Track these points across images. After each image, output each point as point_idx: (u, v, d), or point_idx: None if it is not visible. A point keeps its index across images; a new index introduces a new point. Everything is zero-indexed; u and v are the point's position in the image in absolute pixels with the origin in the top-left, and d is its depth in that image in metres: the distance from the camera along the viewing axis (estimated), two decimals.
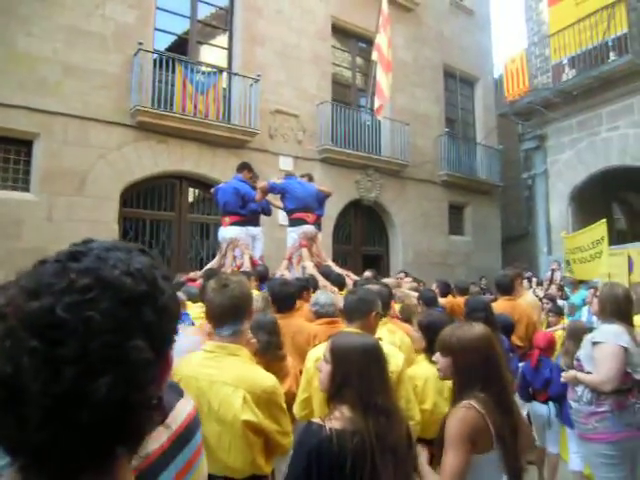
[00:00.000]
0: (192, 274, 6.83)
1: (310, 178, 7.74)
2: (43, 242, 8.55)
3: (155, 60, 10.18)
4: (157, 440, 1.17)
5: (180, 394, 1.34)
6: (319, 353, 2.69)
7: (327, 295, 4.20)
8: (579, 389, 3.57)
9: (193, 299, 4.67)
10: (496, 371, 2.21)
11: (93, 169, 9.32)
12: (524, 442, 2.33)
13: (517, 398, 4.85)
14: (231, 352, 2.27)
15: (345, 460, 1.71)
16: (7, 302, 0.69)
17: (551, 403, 4.67)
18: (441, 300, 6.32)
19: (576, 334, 4.24)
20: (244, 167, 7.42)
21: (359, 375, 1.90)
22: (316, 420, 1.90)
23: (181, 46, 11.22)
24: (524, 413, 4.75)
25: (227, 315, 2.30)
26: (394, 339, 3.54)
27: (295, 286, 4.48)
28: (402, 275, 8.49)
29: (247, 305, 2.39)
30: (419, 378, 3.01)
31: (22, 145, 8.91)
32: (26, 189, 8.86)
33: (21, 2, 8.80)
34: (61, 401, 0.63)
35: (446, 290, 6.89)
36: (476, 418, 2.06)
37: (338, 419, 1.83)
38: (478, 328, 2.33)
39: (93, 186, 9.27)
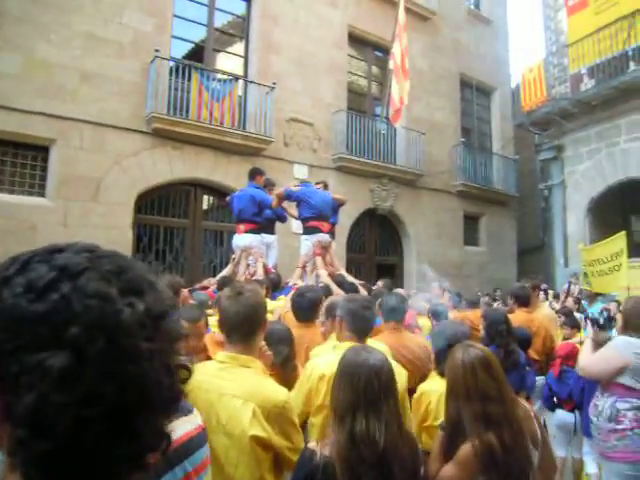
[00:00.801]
0: (206, 282, 6.80)
1: (325, 186, 7.69)
2: None
3: (171, 67, 10.23)
4: None
5: (186, 411, 1.30)
6: (324, 370, 2.63)
7: None
8: (600, 403, 3.47)
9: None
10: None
11: (108, 175, 9.35)
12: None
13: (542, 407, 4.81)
14: (243, 363, 2.20)
15: None
16: None
17: (577, 411, 4.69)
18: (451, 314, 6.21)
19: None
20: (256, 172, 7.35)
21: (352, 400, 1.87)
22: (311, 445, 1.91)
23: (197, 54, 11.27)
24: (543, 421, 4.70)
25: (240, 324, 2.24)
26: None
27: (317, 296, 4.34)
28: (435, 285, 8.27)
29: (261, 315, 2.32)
30: (433, 394, 2.91)
31: (39, 151, 8.97)
32: (42, 194, 8.90)
33: (41, 10, 8.89)
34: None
35: (457, 300, 6.75)
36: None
37: (332, 444, 1.83)
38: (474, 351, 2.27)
39: (108, 192, 9.30)
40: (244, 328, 2.24)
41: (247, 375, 2.17)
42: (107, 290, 0.67)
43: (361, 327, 2.96)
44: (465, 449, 2.07)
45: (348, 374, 1.90)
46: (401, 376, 2.83)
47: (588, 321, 3.58)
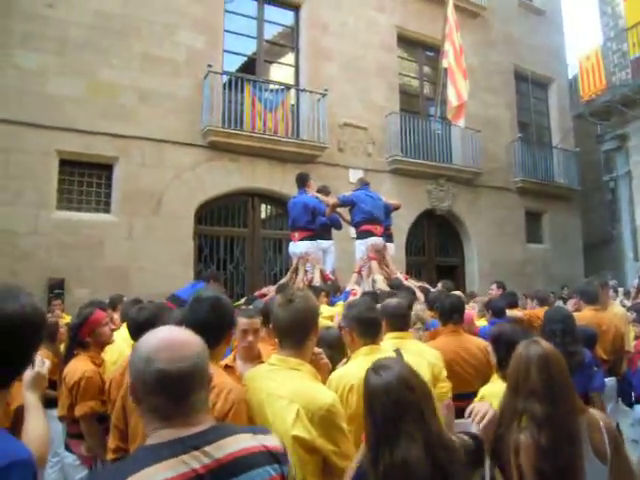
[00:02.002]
0: (265, 289, 6.91)
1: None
2: (124, 261, 8.96)
3: (225, 81, 10.48)
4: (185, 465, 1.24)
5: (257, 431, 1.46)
6: (352, 380, 2.59)
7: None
8: None
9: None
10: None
11: (168, 189, 9.65)
12: None
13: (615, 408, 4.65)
14: (292, 366, 2.23)
15: None
16: None
17: None
18: (517, 312, 6.01)
19: None
20: (305, 179, 7.36)
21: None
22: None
23: (249, 66, 11.51)
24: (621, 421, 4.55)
25: (291, 331, 2.27)
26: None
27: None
28: (494, 287, 8.12)
29: (312, 321, 2.34)
30: (494, 397, 2.82)
31: (103, 169, 9.38)
32: (107, 211, 9.29)
33: (101, 35, 9.32)
34: None
35: (512, 300, 6.43)
36: None
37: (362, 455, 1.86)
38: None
39: (169, 205, 9.60)
40: (295, 334, 2.27)
41: (294, 377, 2.20)
42: None
43: (371, 329, 2.91)
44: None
45: (366, 405, 1.86)
46: (423, 369, 2.80)
47: None
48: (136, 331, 2.82)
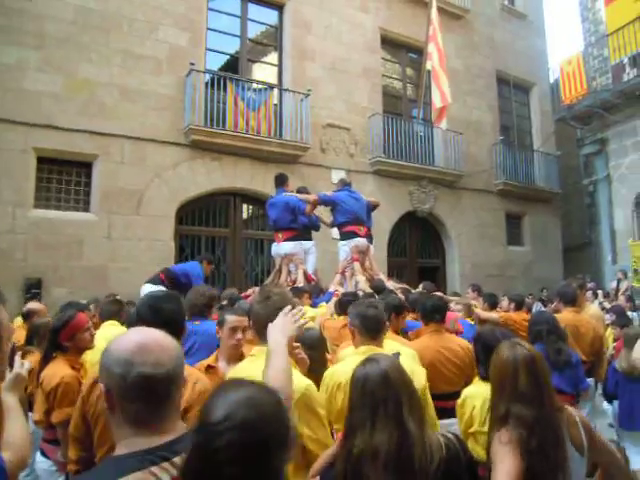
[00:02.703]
0: (250, 290, 6.89)
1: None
2: (103, 260, 8.83)
3: (207, 80, 10.39)
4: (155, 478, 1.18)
5: None
6: (341, 378, 2.62)
7: None
8: None
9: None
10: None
11: (149, 188, 9.54)
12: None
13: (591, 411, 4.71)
14: None
15: None
16: None
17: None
18: (494, 314, 6.08)
19: (630, 340, 4.72)
20: (284, 179, 7.33)
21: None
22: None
23: (232, 65, 11.43)
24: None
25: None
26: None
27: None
28: (470, 290, 8.18)
29: None
30: (477, 398, 2.80)
31: (82, 167, 9.23)
32: (86, 209, 9.15)
33: (80, 31, 9.17)
34: None
35: (492, 301, 6.52)
36: None
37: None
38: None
39: (150, 205, 9.49)
40: None
41: None
42: None
43: (373, 327, 2.96)
44: (506, 433, 2.01)
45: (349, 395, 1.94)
46: (418, 375, 2.79)
47: None
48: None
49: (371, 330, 2.94)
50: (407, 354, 3.29)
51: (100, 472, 1.27)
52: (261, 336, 2.30)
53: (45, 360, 3.43)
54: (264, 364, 1.96)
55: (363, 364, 1.93)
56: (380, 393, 1.80)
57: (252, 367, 2.19)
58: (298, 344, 2.56)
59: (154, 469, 1.20)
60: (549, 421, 2.03)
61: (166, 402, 1.31)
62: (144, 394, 1.26)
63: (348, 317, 3.15)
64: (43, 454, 3.45)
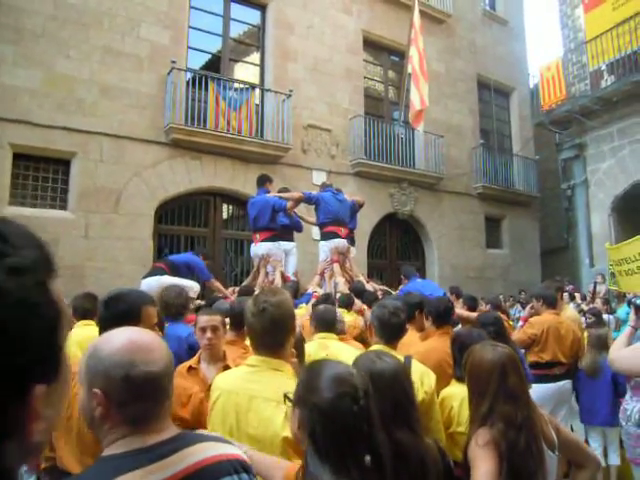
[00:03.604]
0: (230, 290, 6.84)
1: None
2: (80, 259, 8.69)
3: (188, 78, 10.31)
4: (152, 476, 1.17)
5: (214, 439, 1.39)
6: None
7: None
8: (629, 407, 3.36)
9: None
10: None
11: (128, 187, 9.42)
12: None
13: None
14: (274, 367, 2.15)
15: None
16: None
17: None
18: (472, 314, 6.12)
19: (593, 340, 5.06)
20: (266, 179, 7.29)
21: None
22: None
23: (214, 64, 11.35)
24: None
25: (267, 337, 2.21)
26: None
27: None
28: (448, 293, 8.18)
29: (287, 326, 2.26)
30: (455, 399, 2.82)
31: (60, 164, 9.08)
32: (63, 207, 9.00)
33: (60, 26, 9.03)
34: None
35: (471, 304, 6.55)
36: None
37: None
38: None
39: (128, 203, 9.38)
40: (271, 341, 2.21)
41: (279, 378, 2.12)
42: None
43: (388, 333, 3.05)
44: (484, 433, 2.02)
45: None
46: (428, 377, 2.79)
47: (632, 307, 3.40)
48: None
49: (387, 336, 3.05)
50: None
51: (97, 471, 1.24)
52: (258, 347, 2.25)
53: None
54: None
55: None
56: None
57: (254, 379, 2.16)
58: (294, 350, 2.54)
59: (151, 467, 1.18)
60: (531, 421, 2.05)
61: (165, 400, 1.31)
62: (147, 392, 1.26)
63: (370, 314, 3.27)
64: None
